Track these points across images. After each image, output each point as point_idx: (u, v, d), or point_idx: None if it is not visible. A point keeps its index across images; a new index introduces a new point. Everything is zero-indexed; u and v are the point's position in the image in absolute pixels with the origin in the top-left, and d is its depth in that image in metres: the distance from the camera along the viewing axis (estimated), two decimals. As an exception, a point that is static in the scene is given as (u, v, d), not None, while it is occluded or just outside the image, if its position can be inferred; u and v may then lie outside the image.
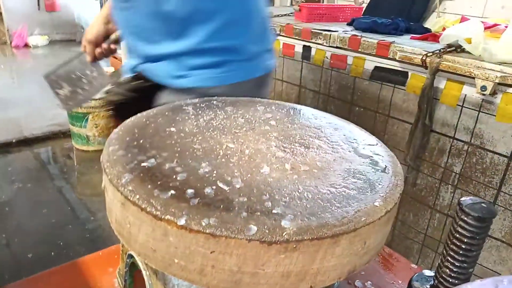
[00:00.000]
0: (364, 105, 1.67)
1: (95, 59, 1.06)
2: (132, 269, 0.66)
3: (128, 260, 0.66)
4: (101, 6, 6.25)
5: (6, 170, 2.72)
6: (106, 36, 1.03)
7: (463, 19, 1.67)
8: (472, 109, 1.33)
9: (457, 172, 1.41)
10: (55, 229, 2.14)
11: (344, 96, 1.73)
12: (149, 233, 0.44)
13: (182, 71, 0.89)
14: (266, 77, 1.00)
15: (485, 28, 1.39)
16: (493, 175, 1.31)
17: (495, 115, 1.27)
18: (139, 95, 0.92)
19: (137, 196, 0.44)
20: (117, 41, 1.05)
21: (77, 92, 1.07)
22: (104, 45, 1.04)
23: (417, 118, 1.45)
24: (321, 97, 1.84)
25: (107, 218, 0.52)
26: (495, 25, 1.47)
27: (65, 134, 3.19)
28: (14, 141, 3.05)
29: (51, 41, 6.36)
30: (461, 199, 0.48)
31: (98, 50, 1.04)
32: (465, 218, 0.47)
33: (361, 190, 0.50)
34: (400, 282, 0.74)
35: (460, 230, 0.48)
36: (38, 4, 6.16)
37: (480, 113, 1.31)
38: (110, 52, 1.06)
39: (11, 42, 6.04)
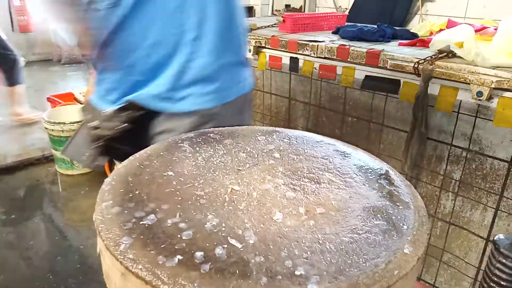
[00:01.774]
0: (357, 115, 1.64)
1: None
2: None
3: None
4: (78, 23, 6.14)
5: (-12, 202, 2.60)
6: None
7: (450, 22, 1.66)
8: (468, 114, 1.30)
9: (457, 179, 1.38)
10: (44, 261, 2.04)
11: (335, 106, 1.70)
12: (156, 308, 0.39)
13: (179, 94, 0.84)
14: (250, 95, 0.98)
15: (475, 32, 1.37)
16: (494, 180, 1.29)
17: (492, 120, 1.25)
18: (131, 127, 0.86)
19: (140, 266, 0.39)
20: None
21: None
22: None
23: (413, 126, 1.42)
24: (312, 108, 1.80)
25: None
26: (484, 28, 1.45)
27: (48, 159, 3.08)
28: (-5, 170, 2.94)
29: (28, 62, 6.19)
30: (495, 238, 0.44)
31: None
32: (504, 261, 0.43)
33: (386, 234, 0.46)
34: (421, 313, 0.70)
35: (498, 273, 0.43)
36: (12, 26, 6.02)
37: (477, 118, 1.29)
38: None
39: (-15, 66, 5.88)
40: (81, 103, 2.99)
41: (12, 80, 3.30)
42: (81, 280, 1.89)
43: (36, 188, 2.83)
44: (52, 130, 2.66)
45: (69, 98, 3.11)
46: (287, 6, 3.68)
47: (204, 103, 0.84)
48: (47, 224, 2.38)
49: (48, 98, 3.19)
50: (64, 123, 2.63)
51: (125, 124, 0.85)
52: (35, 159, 3.10)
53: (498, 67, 1.23)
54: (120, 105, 0.86)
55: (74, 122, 2.63)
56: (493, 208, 1.31)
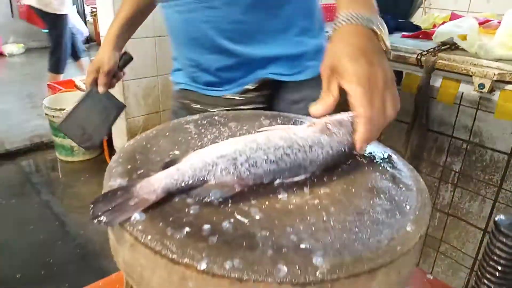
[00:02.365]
0: (358, 105, 1.64)
1: (109, 87, 1.02)
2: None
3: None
4: (78, 11, 6.10)
5: (-12, 187, 2.61)
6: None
7: (453, 15, 1.66)
8: (469, 107, 1.31)
9: (457, 170, 1.39)
10: (44, 246, 2.06)
11: (337, 97, 1.70)
12: (164, 277, 0.39)
13: (303, 64, 0.91)
14: None
15: (478, 24, 1.38)
16: (494, 172, 1.30)
17: (493, 113, 1.26)
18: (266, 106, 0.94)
19: (149, 237, 0.40)
20: (125, 65, 1.02)
21: (97, 128, 1.04)
22: (120, 73, 1.02)
23: (414, 118, 1.43)
24: (314, 99, 1.81)
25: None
26: (487, 21, 1.46)
27: (48, 145, 3.09)
28: (-5, 155, 2.94)
29: (27, 49, 6.19)
30: (496, 218, 0.45)
31: (113, 80, 1.01)
32: (504, 240, 0.44)
33: (389, 214, 0.47)
34: (419, 297, 0.71)
35: (498, 252, 0.44)
36: (12, 12, 5.98)
37: (478, 110, 1.29)
38: (120, 78, 1.03)
39: (-15, 52, 5.85)
40: (81, 90, 2.98)
41: (77, 55, 3.64)
42: (81, 265, 1.90)
43: (36, 174, 2.84)
44: (53, 116, 2.66)
45: (69, 85, 3.11)
46: (290, -3, 3.66)
47: (317, 67, 0.90)
48: (46, 210, 2.39)
49: (48, 85, 3.19)
50: (64, 110, 2.63)
51: (263, 105, 0.92)
52: (35, 145, 3.11)
53: (501, 60, 1.23)
54: (253, 86, 0.90)
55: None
56: (491, 199, 1.33)
